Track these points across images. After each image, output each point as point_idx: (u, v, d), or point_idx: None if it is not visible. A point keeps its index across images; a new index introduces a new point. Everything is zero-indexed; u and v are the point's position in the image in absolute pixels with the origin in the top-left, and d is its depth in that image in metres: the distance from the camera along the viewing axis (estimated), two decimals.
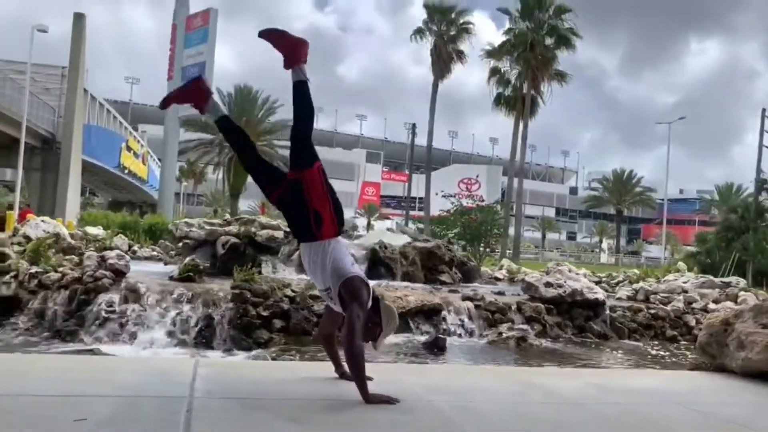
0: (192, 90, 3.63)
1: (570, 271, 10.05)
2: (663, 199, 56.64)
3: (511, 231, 37.43)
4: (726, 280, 11.73)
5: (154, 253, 13.05)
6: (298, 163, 3.46)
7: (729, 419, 3.53)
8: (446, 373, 5.06)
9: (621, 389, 4.18)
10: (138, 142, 50.10)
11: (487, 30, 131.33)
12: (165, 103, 3.78)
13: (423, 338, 7.37)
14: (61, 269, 7.43)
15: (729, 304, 9.76)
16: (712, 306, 9.80)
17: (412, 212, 53.82)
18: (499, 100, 38.89)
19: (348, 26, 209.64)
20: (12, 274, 7.28)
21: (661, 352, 8.20)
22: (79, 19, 31.06)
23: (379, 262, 10.75)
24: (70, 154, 30.34)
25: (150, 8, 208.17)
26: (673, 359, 7.73)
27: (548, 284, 9.10)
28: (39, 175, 31.55)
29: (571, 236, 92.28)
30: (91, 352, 5.87)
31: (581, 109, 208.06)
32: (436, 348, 6.95)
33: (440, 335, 7.34)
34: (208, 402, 3.17)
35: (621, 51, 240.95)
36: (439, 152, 75.94)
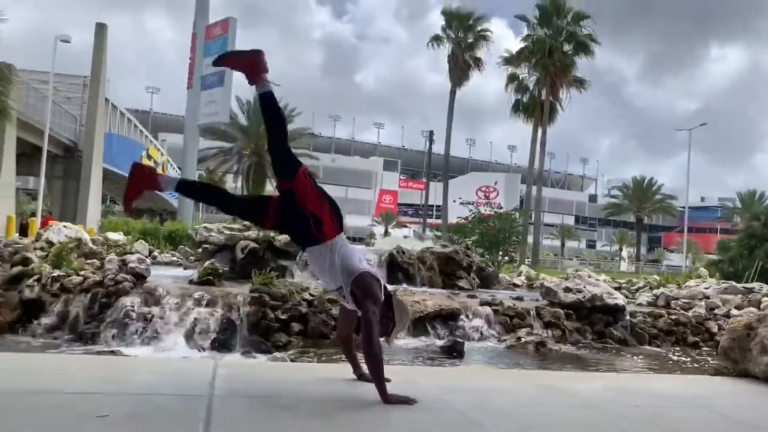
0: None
1: (589, 276, 9.96)
2: (684, 207, 55.98)
3: (530, 239, 37.25)
4: (749, 285, 11.55)
5: (174, 258, 13.16)
6: (286, 173, 3.42)
7: (750, 423, 3.49)
8: (464, 375, 5.05)
9: (641, 392, 4.14)
10: (158, 150, 50.64)
11: (504, 38, 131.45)
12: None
13: (441, 342, 7.34)
14: (82, 273, 7.52)
15: (752, 309, 9.61)
16: (734, 312, 9.64)
17: (429, 220, 53.74)
18: (517, 107, 38.84)
19: (365, 35, 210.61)
20: (35, 277, 7.40)
21: (683, 358, 8.09)
22: (100, 29, 31.58)
23: (396, 267, 10.75)
24: (91, 163, 30.79)
25: (170, 19, 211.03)
26: (695, 365, 7.62)
27: (567, 289, 9.03)
28: (61, 183, 32.02)
29: (591, 244, 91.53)
30: (112, 353, 5.93)
31: (600, 116, 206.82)
32: (454, 352, 6.92)
33: (458, 339, 7.31)
34: (228, 400, 3.19)
35: (640, 57, 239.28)
36: (456, 160, 75.86)
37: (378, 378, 3.28)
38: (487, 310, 8.50)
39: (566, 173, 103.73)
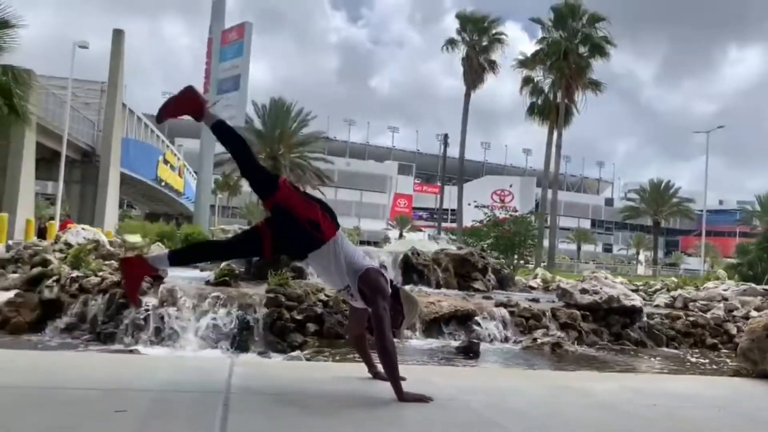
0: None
1: (606, 278, 9.89)
2: (702, 210, 55.39)
3: (546, 242, 37.07)
4: None
5: None
6: (266, 191, 3.38)
7: None
8: (479, 374, 5.04)
9: (658, 393, 4.10)
10: (175, 155, 51.06)
11: (519, 41, 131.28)
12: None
13: (456, 343, 7.33)
14: (101, 274, 7.61)
15: None
16: (753, 314, 9.52)
17: (444, 224, 53.68)
18: (532, 110, 38.67)
19: (380, 39, 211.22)
20: (54, 278, 7.50)
21: (701, 360, 8.00)
22: (118, 35, 31.94)
23: (411, 269, 10.75)
24: (108, 167, 31.12)
25: (186, 24, 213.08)
26: (714, 366, 7.54)
27: (584, 291, 8.98)
28: (79, 188, 32.37)
29: (607, 248, 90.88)
30: (130, 353, 5.99)
31: (616, 120, 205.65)
32: (470, 353, 6.90)
33: (474, 340, 7.30)
34: (244, 397, 3.20)
35: (657, 60, 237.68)
36: (471, 163, 75.66)
37: (392, 375, 3.28)
38: (503, 311, 8.47)
39: (582, 177, 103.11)
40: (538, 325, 8.32)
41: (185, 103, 3.43)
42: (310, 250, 3.37)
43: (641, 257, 72.70)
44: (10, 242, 10.78)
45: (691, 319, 9.41)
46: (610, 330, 8.69)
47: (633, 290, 11.07)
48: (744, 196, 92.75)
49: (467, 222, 33.95)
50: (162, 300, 7.14)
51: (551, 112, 37.48)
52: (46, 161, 27.97)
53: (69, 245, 9.34)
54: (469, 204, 32.98)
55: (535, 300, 9.62)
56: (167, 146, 49.61)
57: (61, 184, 27.33)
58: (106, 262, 8.37)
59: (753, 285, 11.62)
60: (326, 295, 7.83)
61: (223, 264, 8.61)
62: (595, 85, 38.37)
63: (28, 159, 24.79)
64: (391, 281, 3.52)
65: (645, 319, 9.06)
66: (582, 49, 37.29)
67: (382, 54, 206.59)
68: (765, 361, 4.80)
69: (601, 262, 71.27)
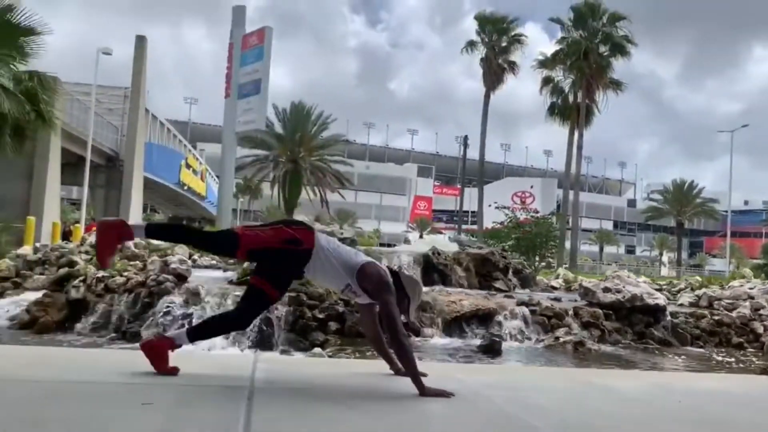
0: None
1: (629, 277, 9.81)
2: (726, 211, 54.56)
3: (568, 244, 36.78)
4: None
5: (214, 261, 13.35)
6: (232, 247, 3.41)
7: None
8: (501, 371, 5.03)
9: (685, 390, 4.05)
10: (197, 159, 51.51)
11: (539, 41, 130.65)
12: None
13: (478, 342, 7.32)
14: (126, 274, 7.73)
15: None
16: None
17: (464, 226, 53.48)
18: (552, 110, 38.45)
19: (399, 42, 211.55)
20: (81, 278, 7.63)
21: (727, 359, 7.90)
22: (140, 41, 32.37)
23: (432, 268, 10.75)
24: (132, 172, 31.52)
25: (207, 30, 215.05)
26: (740, 365, 7.44)
27: (606, 289, 8.92)
28: (103, 192, 32.81)
29: (630, 250, 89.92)
30: None
31: (639, 120, 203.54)
32: (491, 351, 6.90)
33: (496, 338, 7.28)
34: (268, 391, 3.23)
35: (680, 60, 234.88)
36: (491, 165, 75.39)
37: (411, 369, 3.28)
38: (525, 310, 8.44)
39: (604, 178, 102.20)
40: (560, 324, 8.28)
41: (109, 238, 3.37)
42: (305, 265, 3.38)
43: (665, 259, 71.78)
44: (38, 245, 10.96)
45: (716, 317, 9.30)
46: (633, 329, 8.62)
47: (656, 289, 10.96)
48: None
49: (488, 224, 33.83)
50: (186, 299, 7.22)
51: (572, 112, 37.24)
52: (72, 166, 28.40)
53: (94, 247, 9.48)
54: (489, 205, 32.85)
55: (557, 299, 9.57)
56: (189, 151, 50.09)
57: (86, 189, 27.74)
58: (131, 263, 8.49)
59: None
60: None
61: (246, 264, 8.69)
62: (616, 85, 38.05)
63: (54, 164, 25.19)
64: (389, 267, 3.53)
65: (669, 317, 8.98)
66: (602, 49, 37.01)
67: (401, 57, 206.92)
68: None
69: (623, 263, 70.47)
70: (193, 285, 7.52)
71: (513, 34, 41.21)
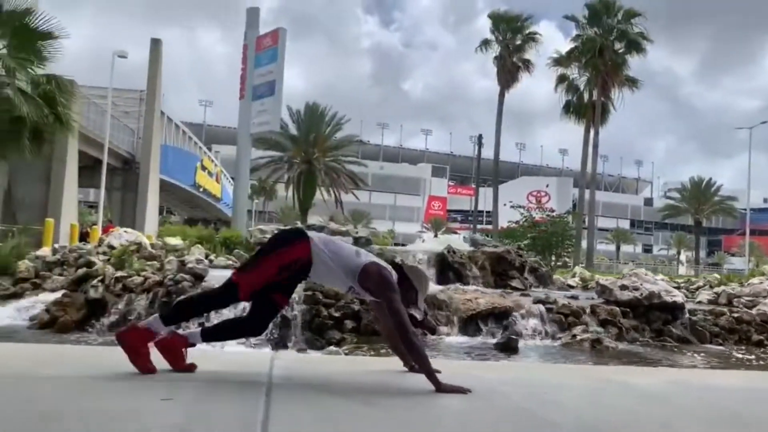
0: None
1: (646, 274, 9.74)
2: (745, 209, 53.93)
3: (584, 243, 36.58)
4: None
5: (230, 261, 13.42)
6: (233, 298, 3.45)
7: None
8: (518, 369, 5.01)
9: (705, 386, 4.02)
10: (212, 161, 51.84)
11: (554, 39, 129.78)
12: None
13: (495, 340, 7.30)
14: (143, 273, 7.80)
15: None
16: None
17: (479, 226, 53.33)
18: (568, 108, 38.28)
19: (412, 43, 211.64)
20: (99, 278, 7.70)
21: (747, 356, 7.81)
22: (155, 44, 32.62)
23: (447, 267, 10.73)
24: (148, 174, 31.77)
25: (221, 33, 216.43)
26: (760, 362, 7.35)
27: (624, 287, 8.86)
28: (120, 195, 33.12)
29: (647, 248, 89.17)
30: None
31: (655, 118, 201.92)
32: (508, 349, 6.87)
33: (512, 336, 7.25)
34: (285, 387, 3.25)
35: (696, 56, 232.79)
36: (506, 165, 75.20)
37: (425, 366, 3.28)
38: (541, 308, 8.41)
39: (620, 176, 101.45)
40: (577, 322, 8.24)
41: (133, 346, 3.34)
42: (307, 273, 3.37)
43: (682, 257, 71.09)
44: (56, 246, 11.10)
45: (736, 315, 9.20)
46: (651, 326, 8.55)
47: (674, 287, 10.87)
48: None
49: (503, 223, 33.73)
50: None
51: (587, 110, 37.06)
52: (89, 169, 28.69)
53: (112, 247, 9.59)
54: (504, 205, 32.76)
55: (574, 297, 9.52)
56: (204, 153, 50.42)
57: (103, 191, 28.00)
58: (149, 263, 8.57)
59: None
60: None
61: None
62: (632, 82, 37.78)
63: (71, 166, 25.47)
64: (392, 261, 3.51)
65: (687, 315, 8.89)
66: (618, 46, 36.79)
67: (414, 57, 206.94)
68: None
69: (640, 262, 69.90)
70: (210, 284, 7.57)
71: (527, 32, 41.08)
